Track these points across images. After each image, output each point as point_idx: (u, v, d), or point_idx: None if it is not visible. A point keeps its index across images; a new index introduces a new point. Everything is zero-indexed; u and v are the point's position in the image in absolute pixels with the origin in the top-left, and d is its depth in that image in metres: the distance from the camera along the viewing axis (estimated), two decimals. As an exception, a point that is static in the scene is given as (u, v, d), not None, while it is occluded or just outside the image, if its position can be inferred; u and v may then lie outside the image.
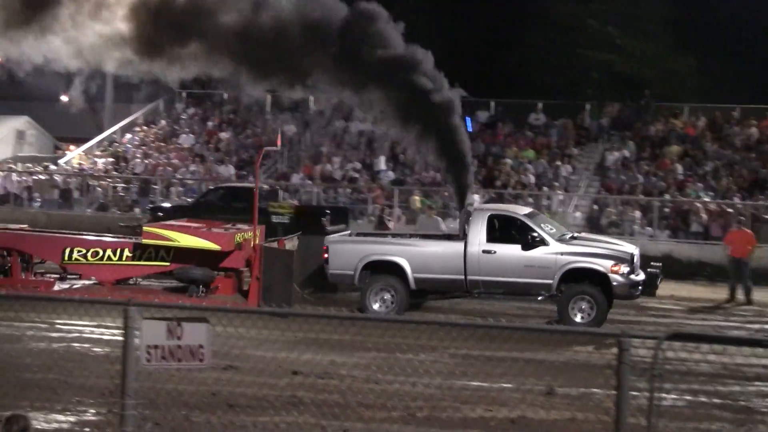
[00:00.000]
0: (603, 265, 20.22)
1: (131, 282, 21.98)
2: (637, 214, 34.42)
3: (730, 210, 33.28)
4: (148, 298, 17.31)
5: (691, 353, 11.30)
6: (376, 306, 20.71)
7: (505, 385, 13.31)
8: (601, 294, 20.14)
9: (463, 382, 13.29)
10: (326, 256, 21.22)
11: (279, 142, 26.14)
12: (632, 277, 20.42)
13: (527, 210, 23.19)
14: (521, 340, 15.77)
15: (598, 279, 20.22)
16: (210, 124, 45.55)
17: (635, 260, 20.75)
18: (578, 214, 34.79)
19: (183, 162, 41.81)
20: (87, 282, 21.79)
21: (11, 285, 20.62)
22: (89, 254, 21.33)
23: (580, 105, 43.79)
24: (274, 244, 21.71)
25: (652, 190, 36.20)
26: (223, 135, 44.00)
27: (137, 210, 37.05)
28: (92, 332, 16.92)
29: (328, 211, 29.02)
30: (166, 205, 34.51)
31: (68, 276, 22.28)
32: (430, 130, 23.13)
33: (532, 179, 37.74)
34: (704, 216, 33.21)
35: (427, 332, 13.60)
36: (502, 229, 21.04)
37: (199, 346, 8.22)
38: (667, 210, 34.63)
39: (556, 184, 36.99)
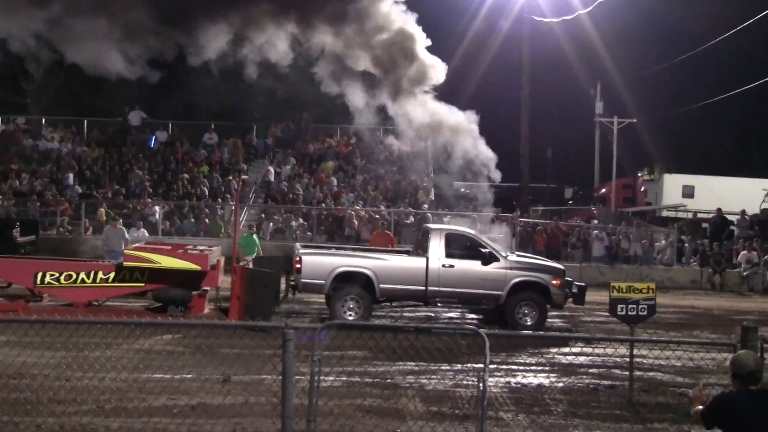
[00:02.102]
0: (545, 278, 20.64)
1: (97, 303, 20.17)
2: (300, 221, 35.12)
3: (377, 216, 34.65)
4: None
5: (345, 340, 11.81)
6: (343, 313, 19.94)
7: (185, 375, 13.21)
8: (543, 302, 20.57)
9: (147, 374, 13.08)
10: (298, 266, 20.28)
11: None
12: (565, 288, 20.87)
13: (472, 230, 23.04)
14: (198, 335, 15.79)
15: (540, 290, 20.59)
16: None
17: (565, 275, 21.22)
18: (271, 224, 34.89)
19: None
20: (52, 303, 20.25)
21: None
22: (62, 277, 19.56)
23: (248, 126, 44.19)
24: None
25: (311, 200, 37.07)
26: None
27: None
28: None
29: (18, 223, 27.51)
30: None
31: (33, 298, 20.36)
32: None
33: (207, 192, 37.67)
34: (356, 222, 34.37)
35: (113, 331, 13.31)
36: (459, 246, 20.87)
37: None
38: (323, 217, 35.52)
39: (228, 196, 37.07)
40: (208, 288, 20.82)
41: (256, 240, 27.02)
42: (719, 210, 37.07)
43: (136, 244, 22.20)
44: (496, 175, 24.01)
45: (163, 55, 24.79)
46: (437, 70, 23.84)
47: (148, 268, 19.65)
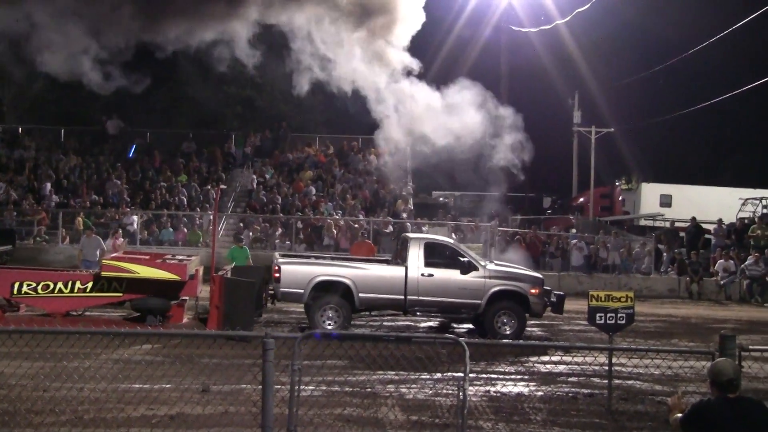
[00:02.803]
0: (523, 287, 20.67)
1: (76, 313, 20.07)
2: (279, 230, 35.08)
3: (356, 225, 34.67)
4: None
5: (324, 350, 11.80)
6: (323, 322, 19.91)
7: (164, 385, 13.16)
8: (521, 311, 20.60)
9: (126, 385, 13.04)
10: (277, 275, 20.24)
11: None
12: (544, 298, 20.90)
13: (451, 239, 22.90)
14: (177, 345, 15.72)
15: (519, 299, 20.61)
16: None
17: (544, 284, 21.26)
18: (251, 233, 34.79)
19: None
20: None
21: None
22: (39, 287, 19.41)
23: (227, 135, 44.17)
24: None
25: (290, 209, 37.05)
26: None
27: None
28: None
29: (-6, 233, 27.41)
30: None
31: (10, 308, 20.16)
32: None
33: (185, 201, 37.57)
34: (335, 231, 34.37)
35: (92, 341, 13.24)
36: (438, 255, 20.86)
37: None
38: (302, 226, 35.48)
39: (207, 205, 36.98)
40: (186, 297, 20.76)
41: (247, 251, 26.69)
42: (693, 219, 37.33)
43: (114, 254, 22.11)
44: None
45: (138, 57, 24.86)
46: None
47: (126, 278, 19.58)
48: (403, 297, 20.44)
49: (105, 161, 40.82)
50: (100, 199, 37.07)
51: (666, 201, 48.01)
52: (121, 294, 19.83)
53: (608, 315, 13.89)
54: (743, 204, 42.25)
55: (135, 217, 34.78)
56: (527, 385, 15.50)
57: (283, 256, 22.15)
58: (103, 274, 19.64)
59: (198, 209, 36.92)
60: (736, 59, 50.64)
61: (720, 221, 37.23)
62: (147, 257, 21.24)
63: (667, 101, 54.87)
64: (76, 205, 36.40)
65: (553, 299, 21.15)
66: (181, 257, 21.77)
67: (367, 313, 21.49)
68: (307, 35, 24.82)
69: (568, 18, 45.20)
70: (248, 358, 13.47)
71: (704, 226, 37.58)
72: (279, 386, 9.15)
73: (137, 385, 13.07)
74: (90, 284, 19.65)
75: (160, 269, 19.84)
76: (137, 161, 41.25)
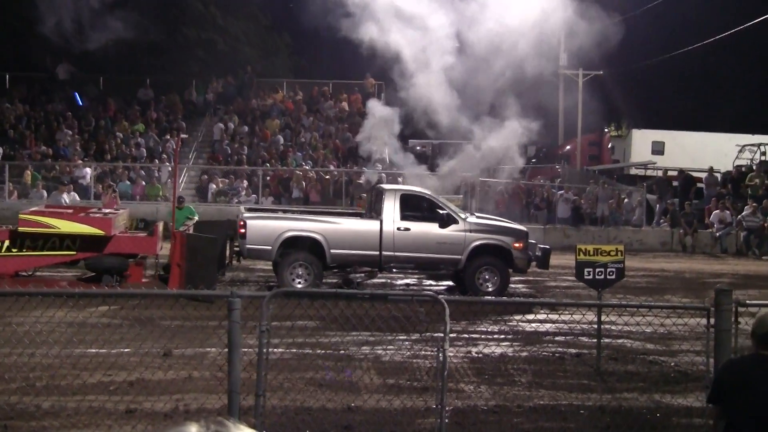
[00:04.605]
0: (506, 241, 20.69)
1: (26, 273, 19.81)
2: (244, 183, 34.95)
3: (327, 177, 34.56)
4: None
5: (294, 309, 11.77)
6: (292, 280, 19.85)
7: (123, 350, 13.13)
8: (504, 266, 20.66)
9: (81, 349, 12.96)
10: (243, 231, 20.05)
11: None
12: (529, 252, 20.94)
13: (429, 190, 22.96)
14: (137, 306, 15.66)
15: (501, 253, 20.63)
16: None
17: (528, 237, 21.25)
18: (214, 186, 34.64)
19: None
20: None
21: None
22: None
23: (187, 81, 43.77)
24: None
25: (256, 159, 36.88)
26: None
27: None
28: None
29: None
30: None
31: None
32: None
33: (144, 152, 37.32)
34: (304, 183, 34.27)
35: (44, 302, 13.15)
36: (414, 208, 20.85)
37: None
38: (268, 178, 35.36)
39: (165, 156, 36.74)
40: (146, 255, 20.65)
41: (191, 210, 26.07)
42: (680, 172, 37.51)
43: (33, 208, 21.83)
44: None
45: None
46: None
47: (45, 234, 19.37)
48: (377, 253, 20.43)
49: (54, 110, 40.37)
50: (50, 151, 36.72)
51: (658, 148, 48.11)
52: (74, 252, 19.63)
53: (597, 270, 13.93)
54: (740, 151, 42.42)
55: (88, 170, 34.50)
56: (511, 345, 15.59)
57: (249, 210, 22.06)
58: (20, 230, 19.40)
59: (156, 161, 36.68)
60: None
61: (711, 169, 37.29)
62: (70, 211, 21.05)
63: (661, 42, 54.76)
64: (24, 157, 36.06)
65: (538, 253, 21.25)
66: (107, 210, 21.58)
67: (339, 270, 21.49)
68: None
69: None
70: (213, 319, 13.47)
71: (693, 174, 37.73)
72: (246, 349, 9.14)
73: (93, 350, 13.01)
74: (41, 242, 19.42)
75: (83, 224, 19.66)
76: (90, 110, 40.83)
